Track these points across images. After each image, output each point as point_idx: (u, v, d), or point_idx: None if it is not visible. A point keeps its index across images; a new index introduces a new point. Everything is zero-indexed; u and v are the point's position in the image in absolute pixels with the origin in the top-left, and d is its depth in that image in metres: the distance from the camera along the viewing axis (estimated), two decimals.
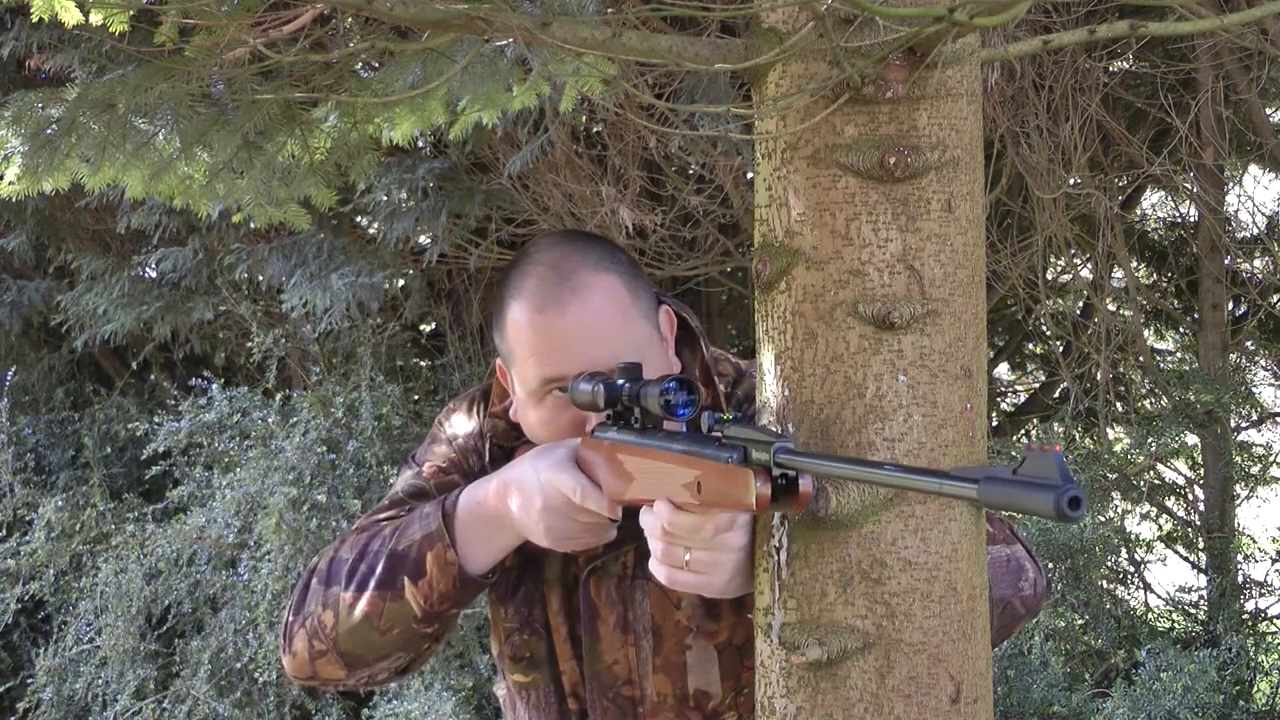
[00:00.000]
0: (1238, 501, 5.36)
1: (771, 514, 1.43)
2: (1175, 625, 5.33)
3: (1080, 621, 4.84)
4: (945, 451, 1.40)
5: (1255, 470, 5.36)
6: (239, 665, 5.00)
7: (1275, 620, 5.36)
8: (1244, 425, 5.54)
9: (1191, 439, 5.26)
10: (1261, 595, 5.32)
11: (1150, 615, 5.42)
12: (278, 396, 5.34)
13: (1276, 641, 5.32)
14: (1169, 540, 5.71)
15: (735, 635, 1.71)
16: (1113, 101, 5.03)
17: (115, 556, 5.32)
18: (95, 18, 1.66)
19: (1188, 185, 5.25)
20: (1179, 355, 6.46)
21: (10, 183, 1.94)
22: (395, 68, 1.91)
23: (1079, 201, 5.02)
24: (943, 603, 1.40)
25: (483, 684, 4.66)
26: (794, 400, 1.42)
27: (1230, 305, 5.58)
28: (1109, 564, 5.16)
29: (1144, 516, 5.68)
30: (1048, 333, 5.75)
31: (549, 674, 1.78)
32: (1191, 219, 5.74)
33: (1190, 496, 5.58)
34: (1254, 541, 5.59)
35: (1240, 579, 5.24)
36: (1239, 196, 5.58)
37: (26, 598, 5.49)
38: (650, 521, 1.50)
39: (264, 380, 5.51)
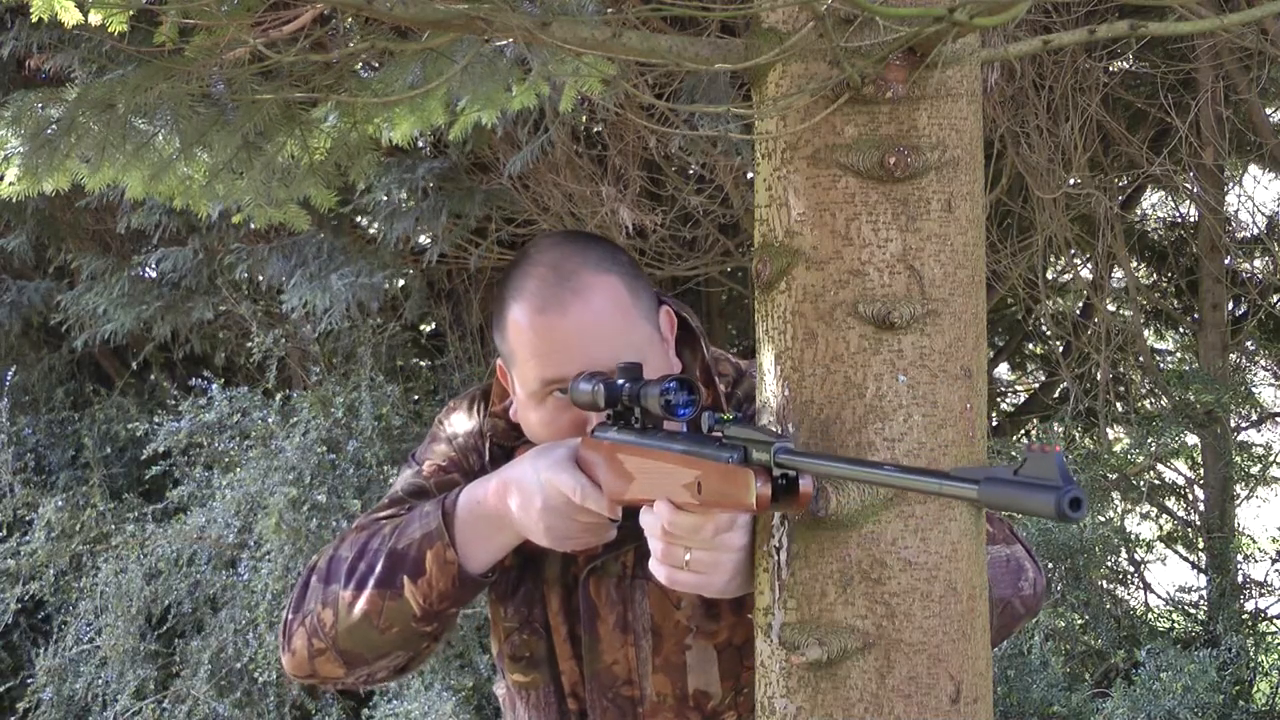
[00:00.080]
0: (1238, 501, 5.36)
1: (771, 514, 1.43)
2: (1175, 625, 5.33)
3: (1080, 621, 4.84)
4: (945, 451, 1.40)
5: (1255, 470, 5.36)
6: (239, 665, 5.00)
7: (1275, 620, 5.36)
8: (1244, 425, 5.54)
9: (1191, 439, 5.26)
10: (1261, 595, 5.32)
11: (1150, 615, 5.42)
12: (278, 396, 5.34)
13: (1276, 641, 5.32)
14: (1169, 540, 5.71)
15: (735, 635, 1.71)
16: (1113, 101, 5.03)
17: (115, 556, 5.32)
18: (95, 18, 1.66)
19: (1188, 185, 5.25)
20: (1179, 355, 6.46)
21: (10, 183, 1.94)
22: (395, 68, 1.91)
23: (1079, 201, 5.02)
24: (943, 603, 1.40)
25: (483, 684, 4.66)
26: (794, 400, 1.42)
27: (1230, 305, 5.58)
28: (1109, 564, 5.16)
29: (1144, 516, 5.68)
30: (1048, 333, 5.75)
31: (548, 674, 1.78)
32: (1191, 219, 5.74)
33: (1190, 496, 5.58)
34: (1254, 541, 5.59)
35: (1240, 579, 5.24)
36: (1239, 196, 5.58)
37: (26, 598, 5.49)
38: (650, 521, 1.50)
39: (264, 380, 5.51)
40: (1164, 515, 5.66)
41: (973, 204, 1.43)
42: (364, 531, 1.74)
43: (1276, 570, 5.34)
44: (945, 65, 1.38)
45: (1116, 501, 5.09)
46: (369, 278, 4.98)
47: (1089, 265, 5.63)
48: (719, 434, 1.41)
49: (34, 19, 1.64)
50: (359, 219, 5.52)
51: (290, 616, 1.75)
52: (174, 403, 5.51)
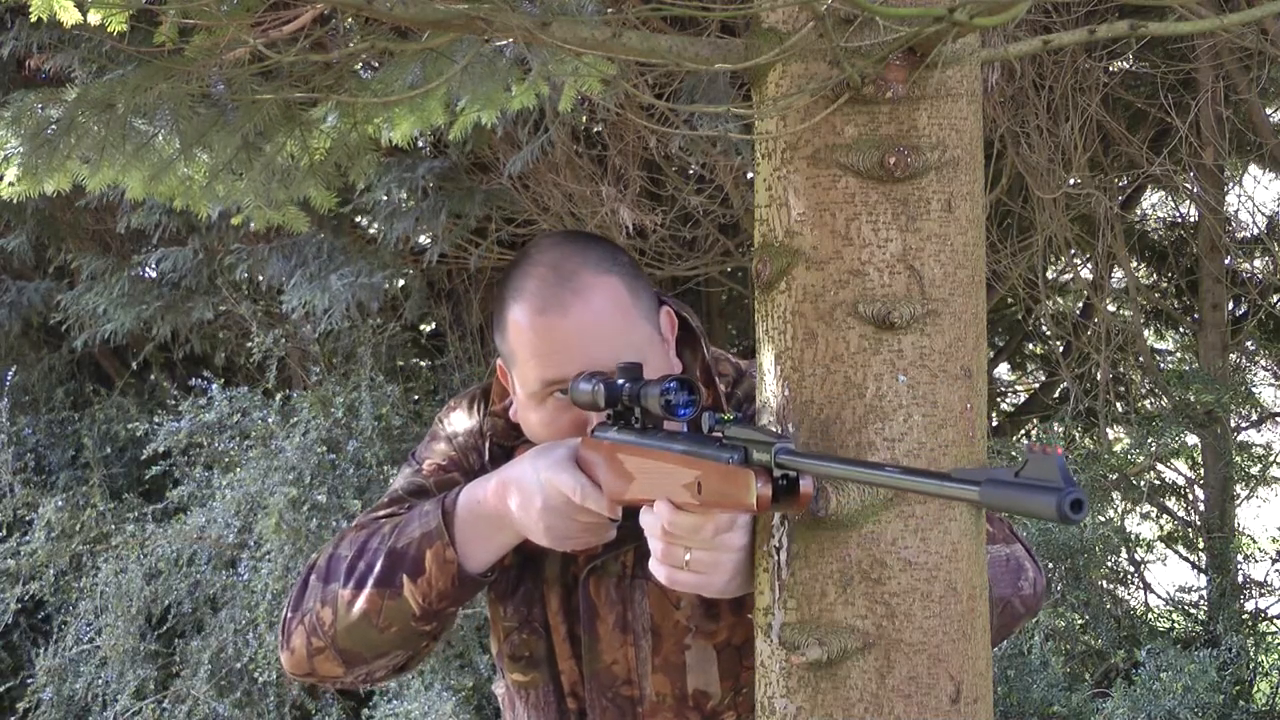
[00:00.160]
0: (1238, 501, 5.36)
1: (771, 514, 1.43)
2: (1175, 625, 5.33)
3: (1080, 621, 4.84)
4: (945, 451, 1.40)
5: (1255, 470, 5.36)
6: (239, 665, 4.99)
7: (1275, 620, 5.36)
8: (1244, 425, 5.54)
9: (1191, 439, 5.26)
10: (1261, 595, 5.32)
11: (1150, 615, 5.41)
12: (278, 396, 5.34)
13: (1276, 641, 5.32)
14: (1169, 540, 5.71)
15: (734, 635, 1.71)
16: (1113, 101, 5.03)
17: (115, 556, 5.32)
18: (94, 17, 1.66)
19: (1188, 185, 5.25)
20: (1179, 355, 6.46)
21: (10, 184, 1.94)
22: (395, 68, 1.91)
23: (1079, 201, 5.02)
24: (943, 603, 1.40)
25: (483, 684, 4.66)
26: (794, 400, 1.42)
27: (1230, 305, 5.57)
28: (1109, 564, 5.16)
29: (1144, 516, 5.68)
30: (1048, 333, 5.75)
31: (548, 673, 1.78)
32: (1191, 219, 5.74)
33: (1190, 496, 5.58)
34: (1254, 541, 5.59)
35: (1240, 579, 5.24)
36: (1239, 196, 5.58)
37: (26, 598, 5.49)
38: (650, 521, 1.50)
39: (264, 380, 5.51)
40: (1164, 515, 5.66)
41: (973, 204, 1.43)
42: (363, 530, 1.74)
43: (1276, 570, 5.34)
44: (945, 65, 1.38)
45: (1116, 501, 5.09)
46: (369, 278, 4.98)
47: (1089, 265, 5.63)
48: (719, 434, 1.41)
49: (33, 19, 1.64)
50: (359, 219, 5.52)
51: (289, 615, 1.75)
52: (174, 403, 5.51)
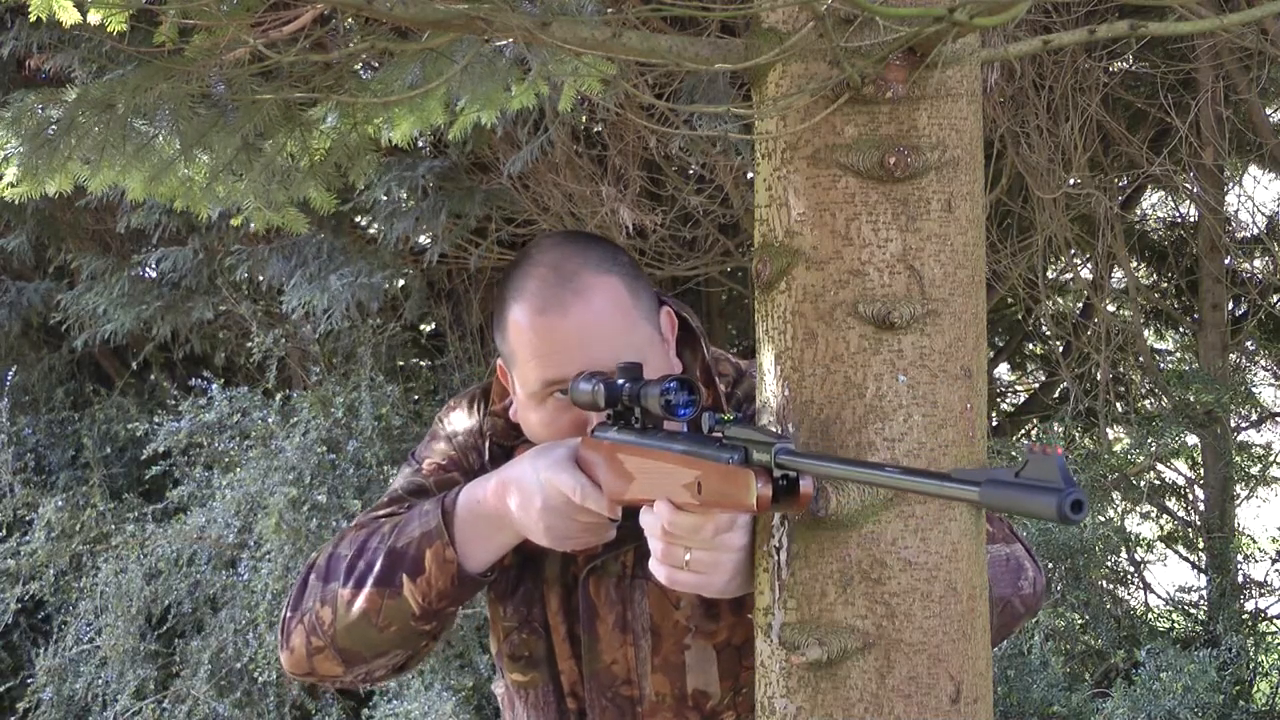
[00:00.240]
0: (1238, 501, 5.36)
1: (771, 514, 1.43)
2: (1175, 625, 5.33)
3: (1080, 621, 4.84)
4: (945, 451, 1.40)
5: (1255, 470, 5.36)
6: (239, 665, 4.99)
7: (1275, 620, 5.36)
8: (1244, 425, 5.54)
9: (1191, 439, 5.26)
10: (1261, 595, 5.32)
11: (1150, 615, 5.41)
12: (278, 396, 5.34)
13: (1276, 641, 5.32)
14: (1169, 540, 5.71)
15: (734, 635, 1.71)
16: (1113, 101, 5.03)
17: (115, 556, 5.32)
18: (94, 17, 1.66)
19: (1188, 185, 5.25)
20: (1179, 355, 6.46)
21: (11, 184, 1.94)
22: (395, 68, 1.91)
23: (1079, 201, 5.02)
24: (943, 603, 1.40)
25: (483, 684, 4.66)
26: (794, 400, 1.42)
27: (1230, 305, 5.57)
28: (1109, 564, 5.16)
29: (1144, 516, 5.68)
30: (1048, 333, 5.74)
31: (547, 673, 1.78)
32: (1191, 219, 5.74)
33: (1190, 496, 5.58)
34: (1254, 541, 5.59)
35: (1240, 579, 5.24)
36: (1239, 196, 5.58)
37: (26, 598, 5.49)
38: (650, 521, 1.50)
39: (264, 380, 5.51)
40: (1164, 515, 5.66)
41: (973, 204, 1.43)
42: (363, 530, 1.74)
43: (1276, 570, 5.34)
44: (945, 65, 1.38)
45: (1116, 501, 5.09)
46: (369, 278, 4.98)
47: (1089, 265, 5.62)
48: (719, 434, 1.41)
49: (32, 18, 1.64)
50: (359, 219, 5.52)
51: (289, 615, 1.75)
52: (174, 403, 5.51)
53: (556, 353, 1.63)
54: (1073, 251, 5.63)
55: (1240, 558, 5.32)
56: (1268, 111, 5.17)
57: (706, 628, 1.71)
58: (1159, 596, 5.44)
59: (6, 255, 5.98)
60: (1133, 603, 5.41)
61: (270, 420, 5.24)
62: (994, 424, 6.40)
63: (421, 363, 6.04)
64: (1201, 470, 5.40)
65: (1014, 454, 4.91)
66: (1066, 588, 4.69)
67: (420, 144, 5.03)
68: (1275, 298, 5.67)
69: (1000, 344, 6.55)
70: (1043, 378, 6.86)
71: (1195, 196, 5.24)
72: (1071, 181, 4.91)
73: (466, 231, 5.11)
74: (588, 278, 1.65)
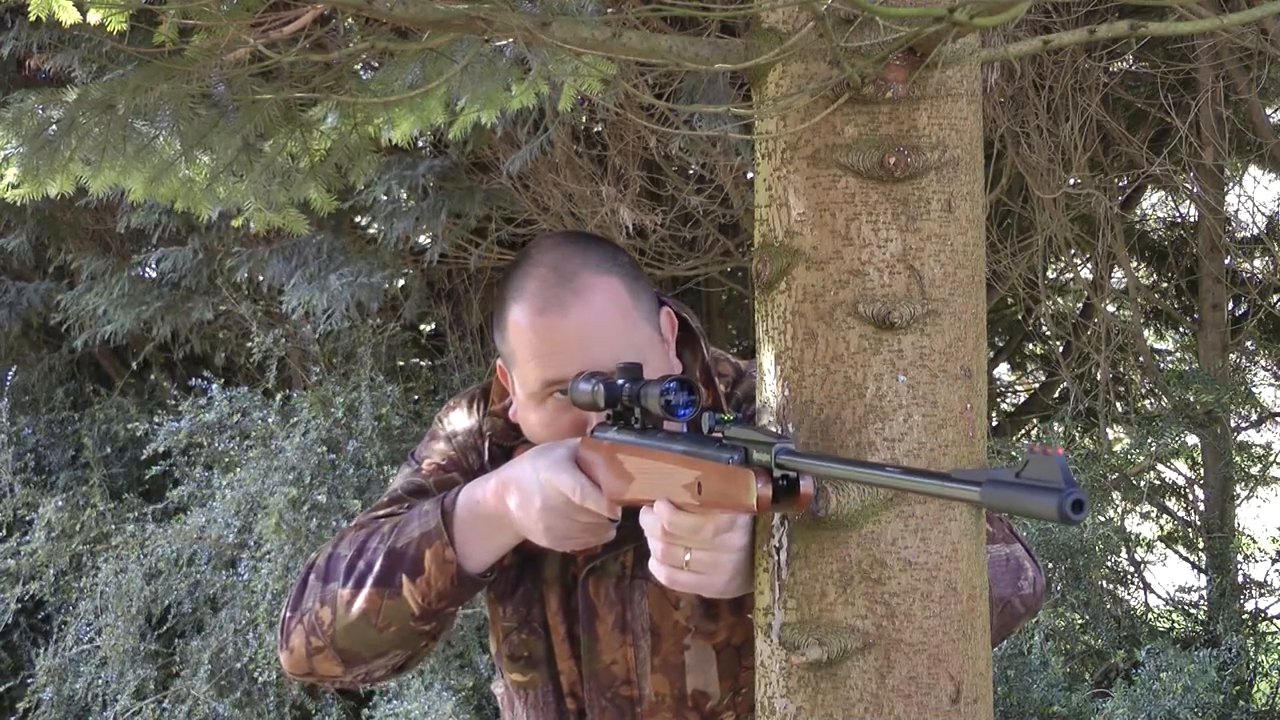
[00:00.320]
0: (1238, 501, 5.36)
1: (771, 514, 1.43)
2: (1175, 625, 5.33)
3: (1080, 621, 4.84)
4: (945, 451, 1.40)
5: (1255, 470, 5.36)
6: (239, 665, 4.99)
7: (1275, 620, 5.36)
8: (1244, 425, 5.54)
9: (1191, 439, 5.26)
10: (1261, 595, 5.32)
11: (1150, 615, 5.41)
12: (278, 396, 5.34)
13: (1276, 641, 5.32)
14: (1169, 540, 5.71)
15: (734, 635, 1.71)
16: (1113, 101, 5.03)
17: (115, 556, 5.32)
18: (94, 17, 1.66)
19: (1188, 185, 5.25)
20: (1179, 355, 6.46)
21: (12, 185, 1.94)
22: (395, 68, 1.91)
23: (1079, 201, 5.02)
24: (943, 603, 1.40)
25: (483, 684, 4.66)
26: (794, 400, 1.42)
27: (1230, 305, 5.57)
28: (1109, 564, 5.16)
29: (1144, 516, 5.68)
30: (1048, 333, 5.75)
31: (547, 673, 1.78)
32: (1191, 219, 5.74)
33: (1190, 496, 5.58)
34: (1254, 541, 5.59)
35: (1240, 579, 5.24)
36: (1239, 196, 5.58)
37: (26, 598, 5.49)
38: (650, 522, 1.50)
39: (264, 380, 5.51)
40: (1164, 515, 5.66)
41: (973, 204, 1.43)
42: (363, 530, 1.74)
43: (1276, 570, 5.34)
44: (945, 65, 1.38)
45: (1116, 501, 5.09)
46: (368, 278, 4.98)
47: (1089, 265, 5.63)
48: (719, 434, 1.41)
49: (32, 18, 1.64)
50: (358, 219, 5.52)
51: (289, 615, 1.74)
52: (174, 403, 5.51)
53: (556, 353, 1.63)
54: (1073, 251, 5.63)
55: (1240, 558, 5.32)
56: (1268, 111, 5.17)
57: (706, 628, 1.71)
58: (1159, 596, 5.44)
59: (6, 255, 5.99)
60: (1133, 603, 5.41)
61: (270, 420, 5.24)
62: (994, 424, 6.40)
63: (421, 363, 6.04)
64: (1201, 470, 5.40)
65: (1014, 454, 4.91)
66: (1066, 588, 4.69)
67: (420, 144, 5.03)
68: (1275, 298, 5.67)
69: (1000, 344, 6.55)
70: (1043, 378, 6.86)
71: (1195, 196, 5.24)
72: (1071, 181, 4.91)
73: (466, 231, 5.11)
74: (588, 278, 1.65)
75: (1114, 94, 4.99)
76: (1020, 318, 5.94)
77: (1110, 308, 5.59)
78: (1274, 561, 5.37)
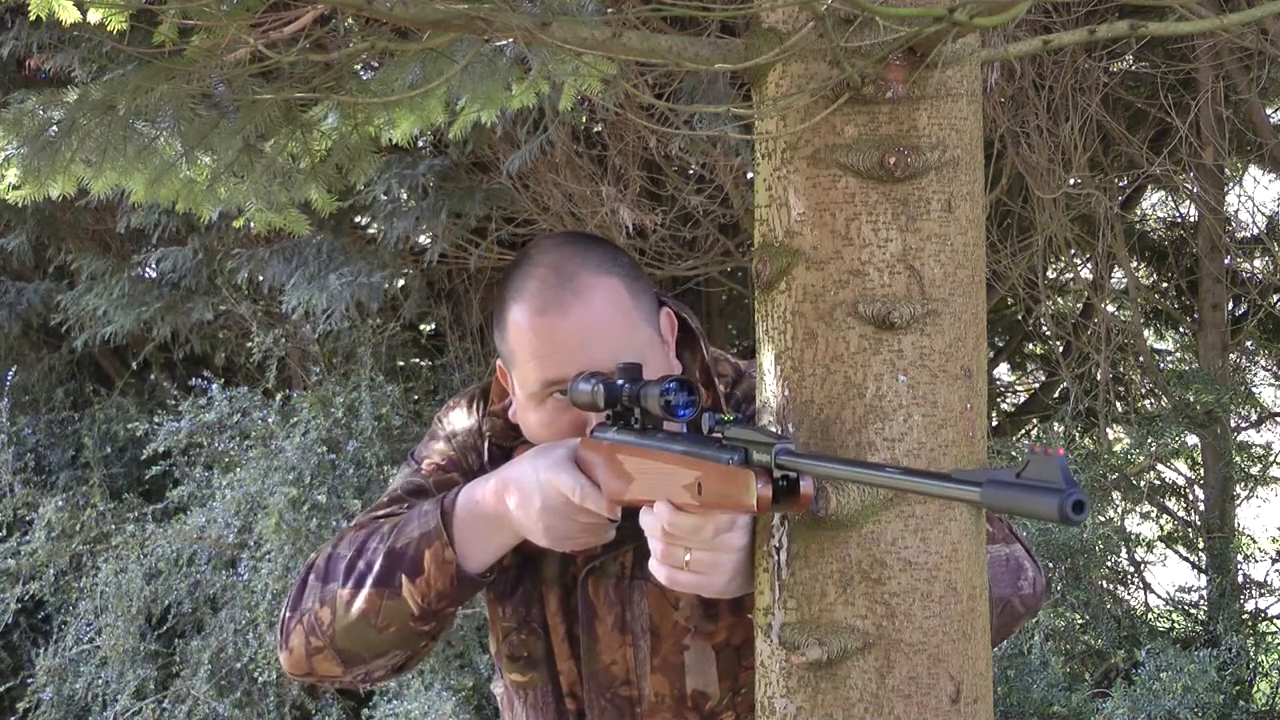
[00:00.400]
0: (1238, 501, 5.36)
1: (771, 514, 1.43)
2: (1175, 625, 5.33)
3: (1080, 621, 4.84)
4: (945, 451, 1.40)
5: (1255, 470, 5.36)
6: (239, 665, 5.00)
7: (1275, 620, 5.36)
8: (1244, 425, 5.54)
9: (1191, 439, 5.26)
10: (1261, 595, 5.32)
11: (1150, 615, 5.41)
12: (278, 396, 5.34)
13: (1276, 641, 5.32)
14: (1169, 540, 5.71)
15: (733, 636, 1.71)
16: (1113, 101, 5.03)
17: (115, 556, 5.32)
18: (94, 16, 1.66)
19: (1188, 185, 5.25)
20: (1179, 355, 6.46)
21: (14, 186, 1.94)
22: (395, 68, 1.91)
23: (1079, 201, 5.02)
24: (943, 603, 1.40)
25: (482, 684, 4.66)
26: (794, 400, 1.42)
27: (1230, 305, 5.57)
28: (1109, 564, 5.16)
29: (1144, 516, 5.68)
30: (1048, 333, 5.74)
31: (546, 673, 1.78)
32: (1191, 219, 5.74)
33: (1190, 496, 5.58)
34: (1254, 541, 5.59)
35: (1240, 579, 5.24)
36: (1239, 196, 5.58)
37: (26, 598, 5.49)
38: (650, 522, 1.50)
39: (264, 380, 5.51)
40: (1164, 515, 5.66)
41: (973, 204, 1.43)
42: (362, 530, 1.74)
43: (1276, 570, 5.34)
44: (945, 65, 1.38)
45: (1116, 501, 5.09)
46: (368, 277, 4.98)
47: (1089, 265, 5.62)
48: (719, 435, 1.41)
49: (32, 17, 1.64)
50: (358, 218, 5.52)
51: (288, 615, 1.74)
52: (174, 403, 5.51)
53: (556, 353, 1.63)
54: (1073, 251, 5.63)
55: (1240, 558, 5.32)
56: (1268, 111, 5.17)
57: (705, 628, 1.71)
58: (1159, 596, 5.44)
59: (6, 255, 5.99)
60: (1133, 603, 5.41)
61: (270, 420, 5.24)
62: (994, 424, 6.40)
63: (421, 363, 6.04)
64: (1201, 470, 5.40)
65: (1014, 454, 4.91)
66: (1066, 588, 4.69)
67: (420, 143, 5.03)
68: (1275, 298, 5.67)
69: (1000, 344, 6.55)
70: (1043, 378, 6.86)
71: (1195, 196, 5.24)
72: (1071, 181, 4.91)
73: (466, 231, 5.12)
74: (588, 278, 1.65)
75: (1114, 94, 4.99)
76: (1020, 318, 5.95)
77: (1110, 308, 5.59)
78: (1274, 561, 5.37)
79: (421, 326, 6.26)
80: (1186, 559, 5.66)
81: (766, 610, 1.45)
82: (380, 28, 2.16)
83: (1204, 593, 5.29)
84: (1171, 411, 5.13)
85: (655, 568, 1.51)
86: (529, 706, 1.80)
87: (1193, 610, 5.32)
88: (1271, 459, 5.39)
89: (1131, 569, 5.36)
